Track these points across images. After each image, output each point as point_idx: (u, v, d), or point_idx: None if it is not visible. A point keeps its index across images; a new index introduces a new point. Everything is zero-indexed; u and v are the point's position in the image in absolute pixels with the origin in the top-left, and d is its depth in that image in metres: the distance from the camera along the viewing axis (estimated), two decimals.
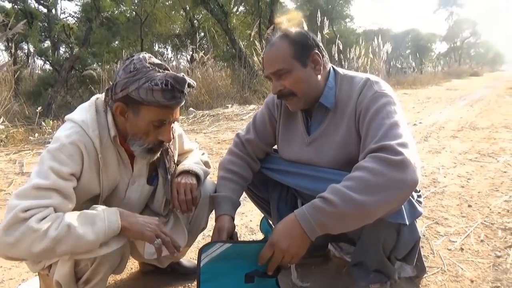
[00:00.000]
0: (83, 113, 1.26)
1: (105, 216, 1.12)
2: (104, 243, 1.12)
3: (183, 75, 1.21)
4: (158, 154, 1.34)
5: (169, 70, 1.24)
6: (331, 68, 1.44)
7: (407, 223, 1.25)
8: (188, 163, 1.49)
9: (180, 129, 1.56)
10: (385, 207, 1.11)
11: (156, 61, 1.25)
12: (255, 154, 1.61)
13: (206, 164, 1.60)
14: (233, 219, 1.42)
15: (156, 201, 1.46)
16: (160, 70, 1.21)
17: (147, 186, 1.42)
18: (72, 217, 1.09)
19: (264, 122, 1.60)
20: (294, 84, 1.34)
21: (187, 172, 1.45)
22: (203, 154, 1.66)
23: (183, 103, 1.26)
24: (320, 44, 1.40)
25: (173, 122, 1.29)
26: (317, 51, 1.36)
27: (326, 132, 1.40)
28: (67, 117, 1.26)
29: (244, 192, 1.60)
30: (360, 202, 1.07)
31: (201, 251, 1.18)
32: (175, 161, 1.50)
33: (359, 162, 1.16)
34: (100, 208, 1.15)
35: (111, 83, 1.28)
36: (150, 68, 1.20)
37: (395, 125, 1.19)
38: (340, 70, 1.45)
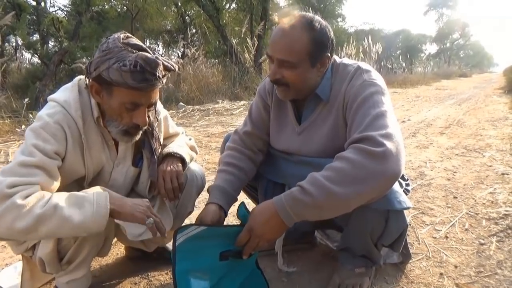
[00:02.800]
0: (66, 93, 1.23)
1: (94, 199, 1.09)
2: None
3: (156, 57, 1.15)
4: (137, 137, 1.30)
5: (147, 52, 1.17)
6: None
7: (397, 208, 1.26)
8: (173, 146, 1.48)
9: (165, 111, 1.53)
10: (363, 198, 1.11)
11: (134, 41, 1.19)
12: (255, 146, 1.57)
13: (193, 148, 1.59)
14: (222, 208, 1.37)
15: (140, 183, 1.43)
16: (134, 51, 1.15)
17: (132, 168, 1.40)
18: (60, 198, 1.06)
19: (259, 111, 1.57)
20: (294, 79, 1.29)
21: (172, 156, 1.43)
22: (190, 139, 1.65)
23: (159, 86, 1.20)
24: (334, 39, 1.32)
25: (150, 106, 1.24)
26: (328, 54, 1.30)
27: (317, 121, 1.39)
28: (49, 97, 1.23)
29: None
30: (337, 193, 1.07)
31: (176, 232, 1.17)
32: (161, 143, 1.48)
33: (342, 152, 1.15)
34: (91, 191, 1.12)
35: None
36: (123, 48, 1.14)
37: (380, 115, 1.17)
38: (337, 58, 1.40)
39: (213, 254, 1.21)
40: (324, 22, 1.29)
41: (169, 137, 1.59)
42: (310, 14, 1.29)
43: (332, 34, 1.30)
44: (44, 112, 1.18)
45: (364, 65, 1.34)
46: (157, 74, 1.15)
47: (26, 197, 1.02)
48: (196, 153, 1.62)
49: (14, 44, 13.48)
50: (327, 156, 1.35)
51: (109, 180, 1.35)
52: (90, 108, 1.24)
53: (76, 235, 1.08)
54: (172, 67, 1.21)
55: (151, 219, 1.15)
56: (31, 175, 1.07)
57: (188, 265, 1.17)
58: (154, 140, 1.41)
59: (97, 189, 1.14)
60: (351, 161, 1.09)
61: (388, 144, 1.09)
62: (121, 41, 1.16)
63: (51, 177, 1.12)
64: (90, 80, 1.18)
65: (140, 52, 1.14)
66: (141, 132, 1.29)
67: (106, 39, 1.19)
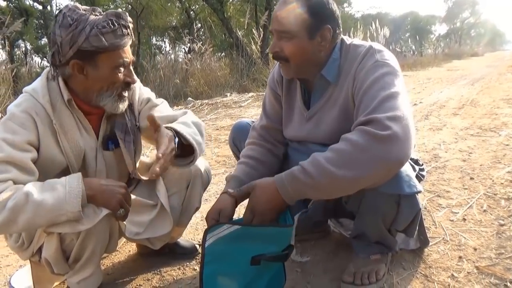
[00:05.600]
0: (35, 82, 1.24)
1: (66, 181, 1.08)
2: (85, 217, 1.09)
3: (120, 10, 1.18)
4: (127, 102, 1.30)
5: (102, 12, 1.19)
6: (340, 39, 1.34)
7: (407, 192, 1.21)
8: (183, 128, 1.32)
9: (147, 89, 1.48)
10: (364, 182, 1.09)
11: (86, 6, 1.19)
12: (274, 139, 1.53)
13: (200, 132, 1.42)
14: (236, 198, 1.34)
15: (128, 166, 1.38)
16: (97, 14, 1.16)
17: (105, 152, 1.35)
18: (32, 186, 1.06)
19: (271, 103, 1.54)
20: (292, 52, 1.25)
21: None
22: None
23: (132, 39, 1.22)
24: (337, 13, 1.28)
25: (131, 62, 1.24)
26: (329, 26, 1.25)
27: (326, 106, 1.34)
28: (23, 89, 1.23)
29: None
30: (336, 176, 1.06)
31: (207, 231, 1.14)
32: (136, 120, 1.42)
33: (346, 134, 1.12)
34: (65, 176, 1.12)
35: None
36: (87, 13, 1.14)
37: (390, 97, 1.12)
38: (347, 39, 1.35)
39: (244, 258, 1.16)
40: None
41: (143, 108, 1.48)
42: None
43: (334, 7, 1.26)
44: (12, 104, 1.18)
45: (377, 45, 1.29)
46: (130, 24, 1.18)
47: None
48: (201, 128, 1.43)
49: (23, 49, 13.64)
50: (335, 141, 1.31)
51: (96, 166, 1.32)
52: (60, 92, 1.22)
53: (56, 219, 1.06)
54: (130, 19, 1.22)
55: (123, 210, 1.15)
56: (1, 172, 1.06)
57: (216, 269, 1.15)
58: (128, 115, 1.37)
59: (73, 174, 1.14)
60: (354, 143, 1.06)
61: (395, 127, 1.04)
62: (81, 9, 1.15)
63: (24, 171, 1.10)
64: (68, 62, 1.15)
65: (107, 11, 1.17)
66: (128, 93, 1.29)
67: (60, 15, 1.15)
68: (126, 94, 1.27)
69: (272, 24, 1.28)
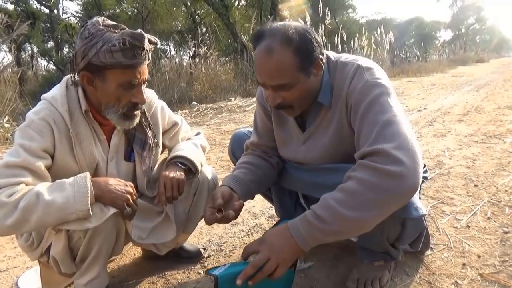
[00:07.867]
0: (54, 90, 1.26)
1: (74, 180, 1.12)
2: (93, 215, 1.11)
3: (140, 31, 1.17)
4: (137, 119, 1.31)
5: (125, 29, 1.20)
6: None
7: (414, 216, 1.21)
8: (183, 149, 1.44)
9: (161, 101, 1.52)
10: (380, 218, 1.05)
11: (112, 22, 1.21)
12: (267, 154, 1.52)
13: (203, 148, 1.57)
14: (234, 191, 1.33)
15: (138, 179, 1.42)
16: (116, 31, 1.17)
17: (124, 162, 1.39)
18: (42, 186, 1.09)
19: (262, 121, 1.52)
20: (296, 97, 1.22)
21: (178, 160, 1.40)
22: (197, 134, 1.64)
23: (148, 61, 1.22)
24: (317, 37, 1.22)
25: (143, 83, 1.25)
26: (319, 55, 1.20)
27: (320, 127, 1.32)
28: (42, 96, 1.26)
29: None
30: (352, 219, 1.02)
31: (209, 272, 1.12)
32: (156, 136, 1.46)
33: (351, 171, 1.09)
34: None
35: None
36: (105, 30, 1.16)
37: (390, 122, 1.09)
38: (332, 55, 1.31)
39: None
40: (299, 25, 1.20)
41: (171, 127, 1.56)
42: (280, 24, 1.20)
43: (312, 33, 1.20)
44: (31, 111, 1.21)
45: (364, 62, 1.25)
46: (145, 47, 1.17)
47: (11, 195, 1.05)
48: (206, 150, 1.59)
49: (30, 52, 13.78)
50: (332, 161, 1.31)
51: (106, 176, 1.34)
52: (78, 102, 1.25)
53: (66, 218, 1.09)
54: (155, 40, 1.24)
55: (130, 209, 1.18)
56: (15, 175, 1.10)
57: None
58: (149, 131, 1.40)
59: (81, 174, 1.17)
60: (364, 182, 1.03)
61: (405, 159, 1.02)
62: (101, 24, 1.18)
63: (37, 176, 1.14)
64: (79, 72, 1.19)
65: (124, 30, 1.17)
66: (139, 113, 1.30)
67: (84, 27, 1.18)
68: (131, 114, 1.27)
69: (264, 79, 1.20)
